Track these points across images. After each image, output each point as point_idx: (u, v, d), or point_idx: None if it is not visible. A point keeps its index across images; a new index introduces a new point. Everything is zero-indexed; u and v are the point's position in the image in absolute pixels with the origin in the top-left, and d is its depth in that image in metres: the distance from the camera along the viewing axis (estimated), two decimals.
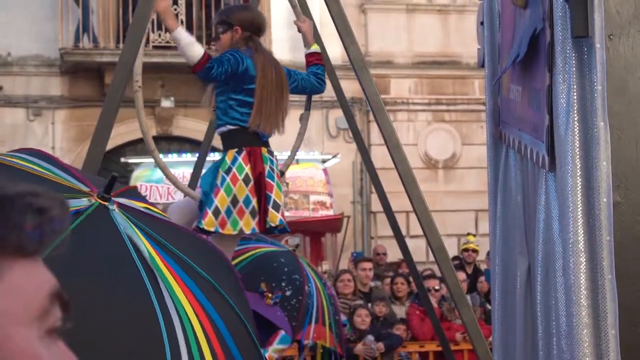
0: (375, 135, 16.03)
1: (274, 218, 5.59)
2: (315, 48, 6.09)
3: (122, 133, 16.26)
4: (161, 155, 16.10)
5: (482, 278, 12.98)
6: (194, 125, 16.43)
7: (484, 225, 15.92)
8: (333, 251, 16.75)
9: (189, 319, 2.75)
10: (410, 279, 11.77)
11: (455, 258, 13.39)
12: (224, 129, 5.72)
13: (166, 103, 16.56)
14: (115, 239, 2.75)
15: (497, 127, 4.72)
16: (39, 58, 16.84)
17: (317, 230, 16.16)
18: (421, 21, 18.01)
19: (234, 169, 5.57)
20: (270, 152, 5.74)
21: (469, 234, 15.31)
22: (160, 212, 3.26)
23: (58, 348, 1.00)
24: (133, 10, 15.61)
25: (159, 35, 16.23)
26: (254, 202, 5.54)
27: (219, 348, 2.81)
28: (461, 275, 11.25)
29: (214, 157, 14.78)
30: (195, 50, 5.56)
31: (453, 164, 18.20)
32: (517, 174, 4.36)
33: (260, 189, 5.56)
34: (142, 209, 2.98)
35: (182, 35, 5.63)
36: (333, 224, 16.14)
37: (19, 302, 0.96)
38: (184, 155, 14.78)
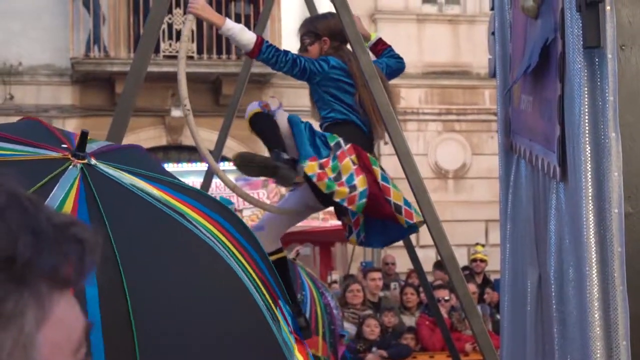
0: (385, 145, 16.02)
1: (401, 221, 5.51)
2: (375, 37, 6.10)
3: (132, 142, 16.28)
4: (171, 164, 16.09)
5: (489, 289, 12.96)
6: (204, 135, 16.36)
7: (494, 236, 15.90)
8: (343, 261, 16.73)
9: (222, 240, 2.84)
10: (420, 289, 11.77)
11: (464, 268, 13.37)
12: (330, 121, 5.65)
13: (176, 112, 16.57)
14: (128, 196, 2.74)
15: (508, 138, 4.72)
16: (50, 67, 16.89)
17: (327, 240, 16.14)
18: (432, 31, 18.02)
19: (342, 148, 5.48)
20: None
21: (477, 244, 15.30)
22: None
23: None
24: (144, 19, 15.67)
25: (170, 45, 16.26)
26: (356, 180, 5.41)
27: (250, 259, 2.91)
28: (472, 287, 11.24)
29: (224, 166, 14.81)
30: (247, 35, 5.47)
31: (463, 174, 18.18)
32: (528, 184, 4.35)
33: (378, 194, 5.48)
34: (101, 148, 2.96)
35: (231, 25, 5.52)
36: (343, 234, 16.10)
37: (64, 335, 0.97)
38: (194, 164, 14.80)
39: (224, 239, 2.86)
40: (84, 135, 2.78)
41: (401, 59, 6.10)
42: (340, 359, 8.32)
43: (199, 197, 3.00)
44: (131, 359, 2.42)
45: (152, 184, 2.83)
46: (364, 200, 5.36)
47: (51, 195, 2.56)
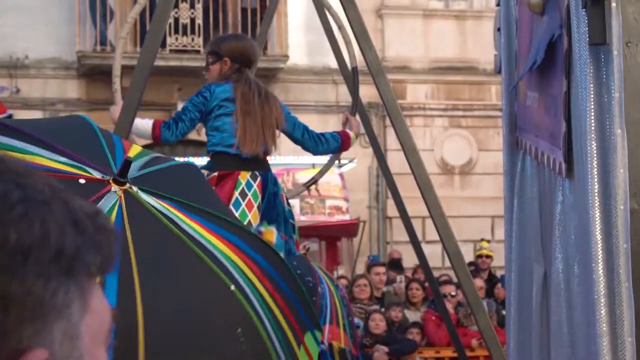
0: (391, 141, 16.02)
1: None
2: (353, 138, 6.13)
3: None
4: (177, 159, 16.15)
5: (500, 284, 12.98)
6: None
7: (499, 231, 15.90)
8: (349, 256, 16.74)
9: (243, 272, 2.86)
10: (426, 284, 11.78)
11: (470, 264, 13.39)
12: (208, 152, 5.87)
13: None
14: (155, 224, 2.81)
15: (513, 134, 4.72)
16: (56, 61, 16.91)
17: (333, 235, 16.16)
18: (438, 26, 18.00)
19: None
20: (255, 175, 5.73)
21: (482, 239, 15.29)
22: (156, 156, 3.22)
23: None
24: (150, 13, 15.66)
25: (176, 39, 16.27)
26: None
27: (273, 290, 2.92)
28: (479, 282, 11.24)
29: None
30: (144, 124, 5.63)
31: (469, 170, 18.17)
32: (533, 180, 4.35)
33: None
34: (146, 171, 2.99)
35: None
36: (349, 229, 16.15)
37: (99, 324, 1.00)
38: (201, 159, 14.80)
39: (248, 272, 2.90)
40: (127, 163, 2.81)
41: (322, 144, 6.07)
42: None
43: (230, 227, 3.03)
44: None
45: (183, 212, 2.87)
46: None
47: None
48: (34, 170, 0.98)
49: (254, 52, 5.99)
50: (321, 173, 7.17)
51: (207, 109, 5.68)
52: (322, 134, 6.04)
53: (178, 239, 2.81)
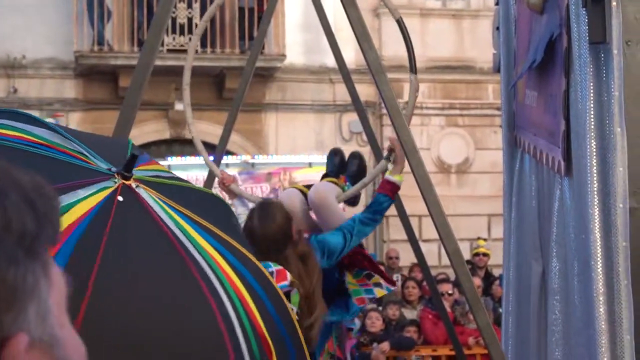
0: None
1: None
2: (396, 179, 5.80)
3: (134, 136, 16.31)
4: (174, 158, 16.01)
5: (497, 282, 13.01)
6: (207, 129, 16.46)
7: (496, 230, 15.93)
8: None
9: (235, 293, 2.70)
10: (423, 283, 11.80)
11: (466, 262, 13.39)
12: None
13: (180, 106, 16.58)
14: (150, 222, 2.73)
15: (512, 132, 4.73)
16: (53, 61, 16.90)
17: None
18: (435, 26, 18.00)
19: None
20: None
21: (479, 238, 15.31)
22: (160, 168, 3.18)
23: None
24: (148, 13, 15.65)
25: (173, 39, 16.27)
26: None
27: (256, 315, 2.71)
28: (476, 281, 11.25)
29: (228, 159, 14.77)
30: None
31: (466, 169, 18.18)
32: (532, 178, 4.37)
33: None
34: (153, 178, 2.95)
35: None
36: None
37: (61, 294, 1.02)
38: (197, 158, 14.80)
39: (239, 284, 2.73)
40: (133, 157, 2.78)
41: (372, 220, 5.85)
42: (349, 352, 8.34)
43: (226, 244, 2.87)
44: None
45: (183, 218, 2.77)
46: None
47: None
48: None
49: (282, 232, 5.26)
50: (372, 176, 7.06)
51: None
52: (370, 210, 5.85)
53: (170, 242, 2.76)
